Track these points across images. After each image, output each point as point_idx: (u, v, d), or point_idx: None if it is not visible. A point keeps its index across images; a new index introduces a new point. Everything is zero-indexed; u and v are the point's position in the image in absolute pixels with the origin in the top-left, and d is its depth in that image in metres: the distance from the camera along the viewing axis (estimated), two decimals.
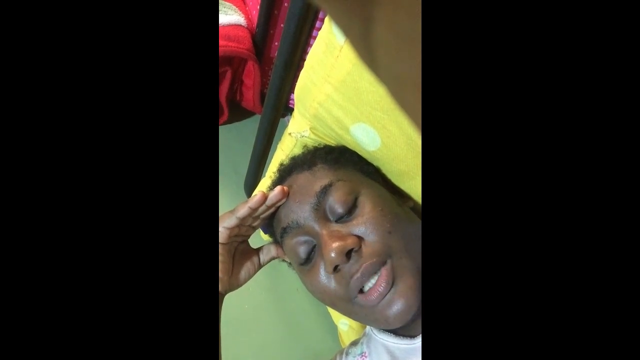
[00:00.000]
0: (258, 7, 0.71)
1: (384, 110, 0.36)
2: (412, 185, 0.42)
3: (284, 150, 0.55)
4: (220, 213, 0.74)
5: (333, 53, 0.37)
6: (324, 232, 0.37)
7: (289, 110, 0.77)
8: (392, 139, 0.38)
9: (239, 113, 0.85)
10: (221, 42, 0.68)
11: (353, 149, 0.45)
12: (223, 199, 0.73)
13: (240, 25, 0.71)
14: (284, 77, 0.48)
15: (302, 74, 0.44)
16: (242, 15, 0.73)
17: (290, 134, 0.53)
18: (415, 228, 0.38)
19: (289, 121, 0.63)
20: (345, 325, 0.58)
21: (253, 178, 0.65)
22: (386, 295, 0.35)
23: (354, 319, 0.39)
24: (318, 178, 0.40)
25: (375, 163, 0.44)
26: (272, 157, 0.62)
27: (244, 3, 0.78)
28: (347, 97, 0.38)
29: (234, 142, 0.83)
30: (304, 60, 0.45)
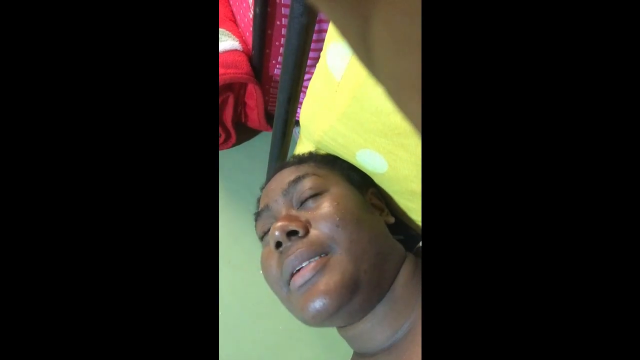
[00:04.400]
0: (251, 28, 0.71)
1: (388, 137, 0.37)
2: None
3: None
4: (242, 237, 0.75)
5: (331, 88, 0.37)
6: (283, 213, 0.40)
7: (297, 123, 0.77)
8: (398, 162, 0.38)
9: (246, 133, 0.86)
10: (220, 71, 0.68)
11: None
12: (242, 221, 0.74)
13: (236, 50, 0.71)
14: (288, 110, 0.48)
15: (305, 103, 0.45)
16: (237, 39, 0.73)
17: None
18: (372, 234, 0.38)
19: (297, 134, 0.63)
20: None
21: None
22: (307, 282, 0.35)
23: (287, 307, 0.41)
24: (298, 170, 0.42)
25: (385, 184, 0.44)
26: None
27: (236, 25, 0.78)
28: (350, 127, 0.38)
29: (245, 161, 0.83)
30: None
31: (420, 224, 0.46)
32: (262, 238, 0.43)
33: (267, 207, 0.42)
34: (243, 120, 0.83)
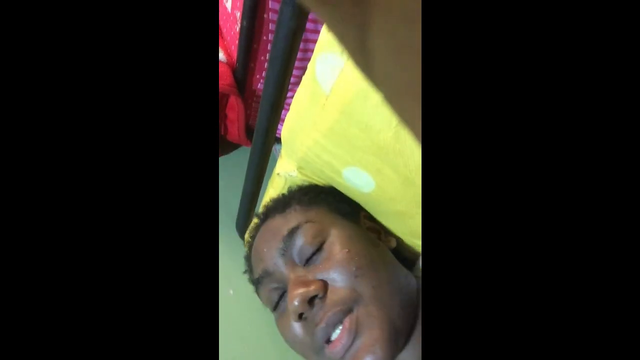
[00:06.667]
0: (237, 41, 0.70)
1: (376, 155, 0.35)
2: (412, 224, 0.41)
3: (275, 188, 0.53)
4: None
5: (319, 102, 0.35)
6: (291, 276, 0.36)
7: (277, 141, 0.76)
8: (386, 182, 0.37)
9: (224, 147, 0.83)
10: None
11: (345, 191, 0.43)
12: None
13: (220, 61, 0.70)
14: (271, 118, 0.47)
15: (289, 118, 0.43)
16: (221, 50, 0.72)
17: (278, 174, 0.51)
18: (389, 272, 0.37)
19: (277, 152, 0.61)
20: None
21: (244, 218, 0.63)
22: (350, 348, 0.33)
23: None
24: (287, 221, 0.39)
25: (370, 204, 0.43)
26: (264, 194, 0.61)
27: (222, 38, 0.77)
28: (337, 143, 0.37)
29: (222, 178, 0.81)
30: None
31: (408, 244, 0.44)
32: (271, 305, 0.40)
33: (266, 272, 0.38)
34: (222, 133, 0.81)
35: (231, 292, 0.67)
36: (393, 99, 0.12)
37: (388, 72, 0.11)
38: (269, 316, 0.63)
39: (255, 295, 0.63)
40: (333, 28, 0.12)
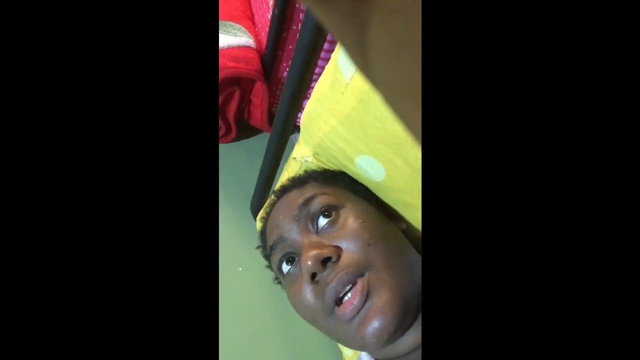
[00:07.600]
0: (267, 29, 0.72)
1: (389, 145, 0.37)
2: (418, 216, 0.42)
3: (290, 172, 0.55)
4: (226, 232, 0.74)
5: (339, 89, 0.37)
6: (305, 241, 0.37)
7: (297, 129, 0.78)
8: (397, 172, 0.38)
9: (247, 131, 0.86)
10: (230, 64, 0.69)
11: (357, 179, 0.45)
12: (229, 217, 0.73)
13: (249, 47, 0.72)
14: (291, 104, 0.48)
15: (309, 104, 0.45)
16: (252, 37, 0.74)
17: (294, 158, 0.53)
18: (400, 246, 0.38)
19: (296, 139, 0.63)
20: (351, 351, 0.58)
21: (259, 199, 0.66)
22: (361, 309, 0.34)
23: (333, 338, 0.39)
24: (304, 193, 0.40)
25: (380, 193, 0.44)
26: (279, 177, 0.63)
27: (254, 24, 0.79)
28: (352, 130, 0.38)
29: (241, 159, 0.83)
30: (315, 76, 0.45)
31: (414, 234, 0.45)
32: (282, 271, 0.40)
33: (281, 238, 0.39)
34: (245, 117, 0.83)
35: (240, 269, 0.69)
36: (392, 98, 0.12)
37: (387, 72, 0.11)
38: (276, 291, 0.66)
39: (264, 272, 0.66)
40: (332, 28, 0.12)
